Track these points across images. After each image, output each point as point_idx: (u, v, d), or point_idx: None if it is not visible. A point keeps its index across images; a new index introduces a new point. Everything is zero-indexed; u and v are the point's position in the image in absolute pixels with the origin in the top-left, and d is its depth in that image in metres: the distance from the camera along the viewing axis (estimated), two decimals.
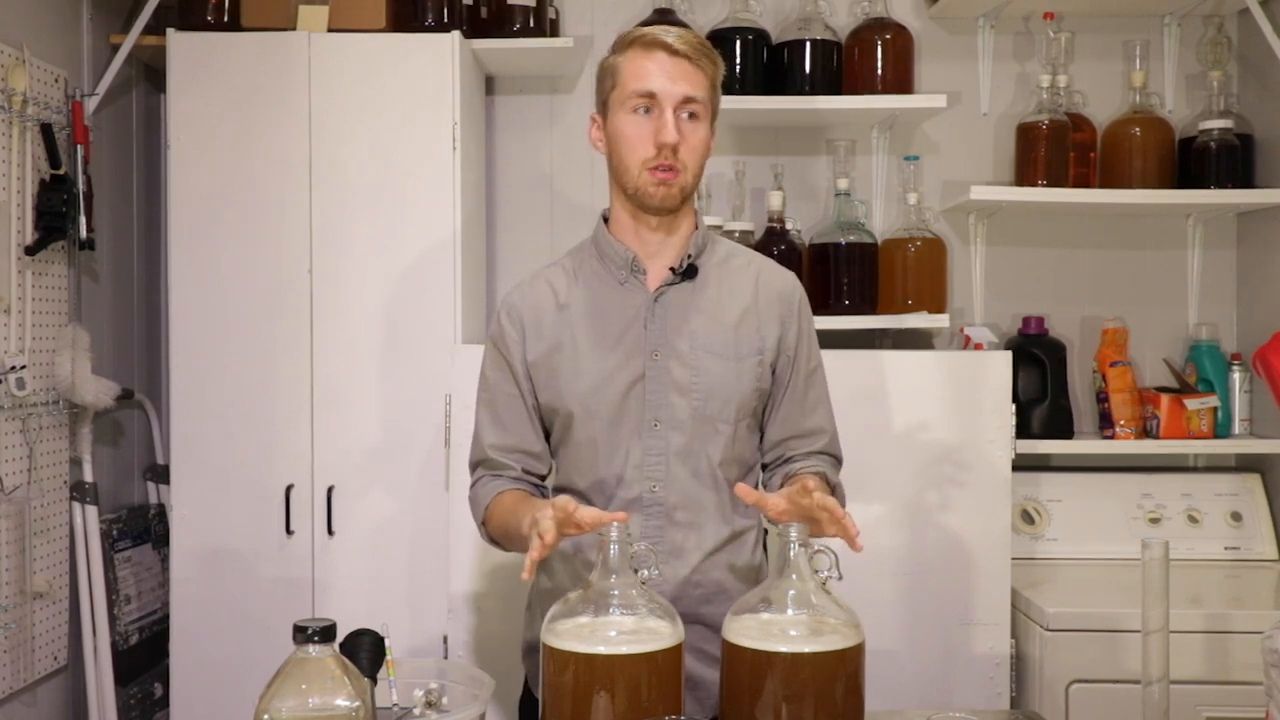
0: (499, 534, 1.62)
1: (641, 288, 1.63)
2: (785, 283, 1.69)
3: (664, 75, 1.56)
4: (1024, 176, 2.64)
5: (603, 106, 1.63)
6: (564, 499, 1.36)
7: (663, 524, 1.60)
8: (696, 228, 1.67)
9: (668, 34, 1.57)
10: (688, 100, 1.56)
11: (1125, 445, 2.62)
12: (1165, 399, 2.61)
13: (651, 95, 1.56)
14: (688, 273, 1.64)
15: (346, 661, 1.17)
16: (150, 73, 2.83)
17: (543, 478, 1.70)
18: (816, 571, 1.33)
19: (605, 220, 1.70)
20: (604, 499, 1.61)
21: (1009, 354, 2.37)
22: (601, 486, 1.62)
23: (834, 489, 1.63)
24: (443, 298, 2.43)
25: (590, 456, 1.62)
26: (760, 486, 1.70)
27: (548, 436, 1.69)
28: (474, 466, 1.71)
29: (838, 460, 1.72)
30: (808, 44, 2.61)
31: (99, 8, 2.62)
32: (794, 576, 1.32)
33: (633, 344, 1.61)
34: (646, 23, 2.61)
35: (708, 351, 1.61)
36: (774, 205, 2.65)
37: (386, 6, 2.47)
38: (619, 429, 1.60)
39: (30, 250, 2.33)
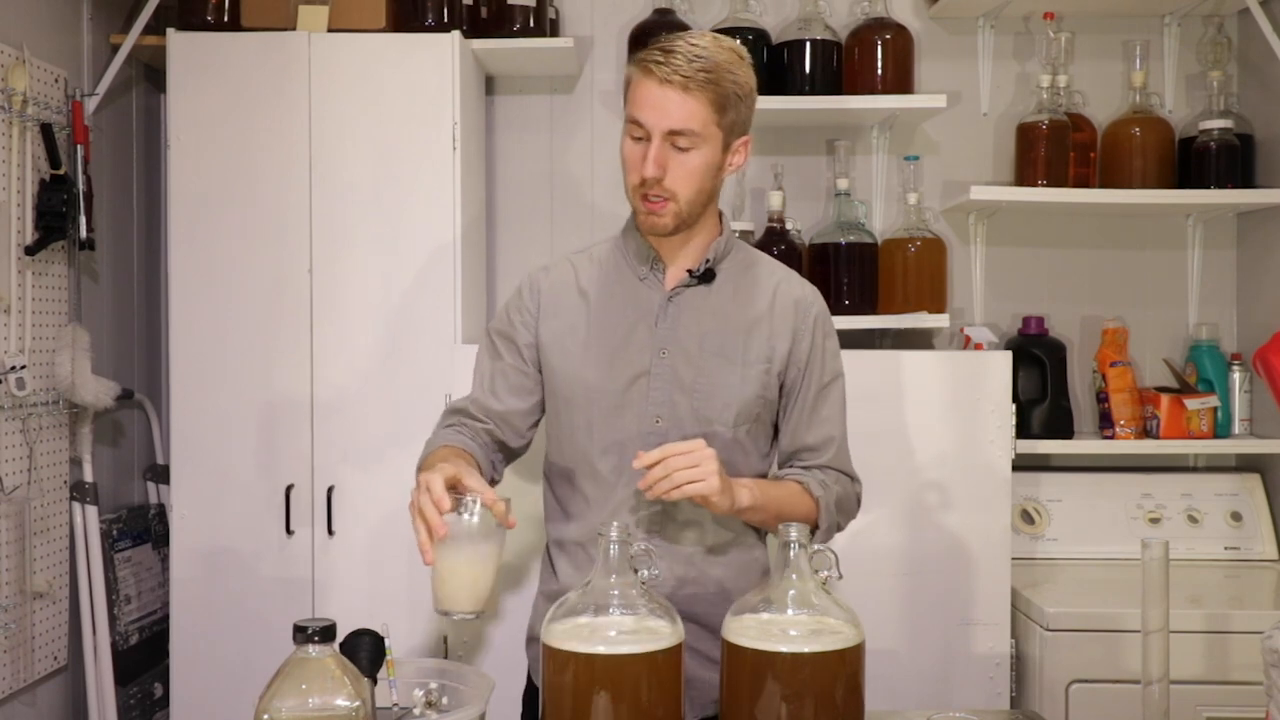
0: None
1: (659, 286, 1.64)
2: (804, 296, 1.68)
3: (651, 105, 1.52)
4: (1024, 176, 2.64)
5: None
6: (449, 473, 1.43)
7: (663, 521, 1.60)
8: (721, 232, 1.67)
9: (666, 60, 1.51)
10: (673, 133, 1.52)
11: (1125, 445, 2.63)
12: (1165, 399, 2.61)
13: (641, 124, 1.53)
14: (704, 276, 1.64)
15: (346, 661, 1.18)
16: (150, 73, 2.83)
17: (507, 447, 1.69)
18: (816, 571, 1.33)
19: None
20: (602, 490, 1.62)
21: (1009, 354, 2.37)
22: (596, 475, 1.62)
23: (816, 502, 1.62)
24: (443, 298, 2.43)
25: (585, 443, 1.62)
26: None
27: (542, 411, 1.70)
28: (450, 412, 1.70)
29: (846, 475, 1.71)
30: (808, 44, 2.61)
31: (99, 8, 2.61)
32: (794, 576, 1.32)
33: (642, 339, 1.62)
34: (650, 24, 2.61)
35: (715, 354, 1.61)
36: (774, 205, 2.65)
37: (386, 6, 2.47)
38: (619, 420, 1.61)
39: (30, 250, 2.33)
